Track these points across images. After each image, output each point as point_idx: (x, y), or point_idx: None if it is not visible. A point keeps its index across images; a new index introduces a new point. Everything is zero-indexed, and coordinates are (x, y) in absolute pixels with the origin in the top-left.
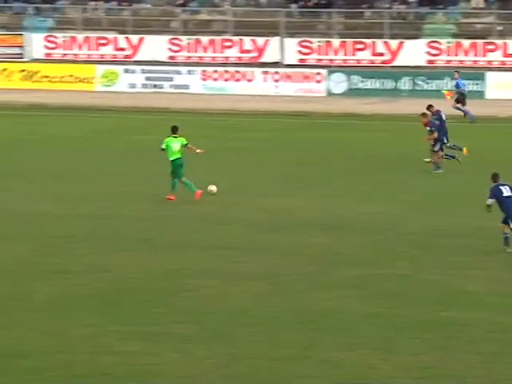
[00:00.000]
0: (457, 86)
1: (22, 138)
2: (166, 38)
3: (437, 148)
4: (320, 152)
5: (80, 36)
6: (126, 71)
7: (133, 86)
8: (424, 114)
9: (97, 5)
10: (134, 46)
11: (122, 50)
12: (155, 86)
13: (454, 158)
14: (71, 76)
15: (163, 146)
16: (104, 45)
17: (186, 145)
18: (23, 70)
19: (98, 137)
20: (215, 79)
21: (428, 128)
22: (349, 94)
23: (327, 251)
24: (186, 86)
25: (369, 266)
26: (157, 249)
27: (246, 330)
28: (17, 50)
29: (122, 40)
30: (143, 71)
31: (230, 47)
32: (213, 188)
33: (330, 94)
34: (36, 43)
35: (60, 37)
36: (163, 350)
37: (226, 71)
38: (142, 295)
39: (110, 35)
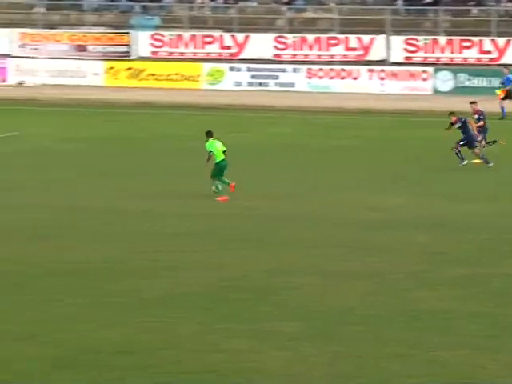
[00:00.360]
0: (506, 81)
1: (130, 136)
2: (271, 36)
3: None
4: (426, 150)
5: (186, 34)
6: (232, 69)
7: (238, 84)
8: (452, 113)
9: (203, 3)
10: (240, 44)
11: (228, 48)
12: (260, 84)
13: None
14: (177, 74)
15: (211, 149)
16: (210, 43)
17: (224, 151)
18: (129, 68)
19: (202, 134)
20: (320, 77)
21: (456, 125)
22: (455, 92)
23: (432, 250)
24: (291, 84)
25: (474, 264)
26: (263, 247)
27: (351, 329)
28: (123, 49)
29: (227, 38)
30: (249, 69)
31: (335, 45)
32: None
33: (436, 92)
34: (142, 41)
35: (166, 35)
36: (268, 347)
37: (332, 69)
38: (248, 293)
39: (216, 33)
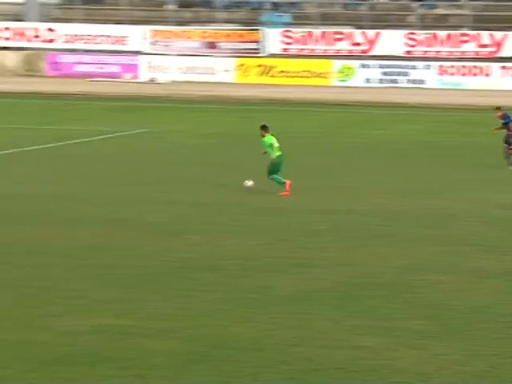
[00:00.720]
0: None
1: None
2: (402, 32)
3: None
4: None
5: (317, 31)
6: (363, 66)
7: (369, 80)
8: (498, 108)
9: (333, 0)
10: (371, 41)
11: (358, 44)
12: (391, 81)
13: None
14: (307, 71)
15: (270, 142)
16: (340, 40)
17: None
18: (260, 65)
19: (333, 131)
20: (452, 74)
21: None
22: None
23: None
24: (422, 81)
25: None
26: (394, 244)
27: (484, 327)
28: (254, 46)
29: (358, 35)
30: (379, 66)
31: (467, 42)
32: (249, 183)
33: None
34: (273, 38)
35: (297, 32)
36: (399, 345)
37: (464, 66)
38: (379, 290)
39: (347, 30)
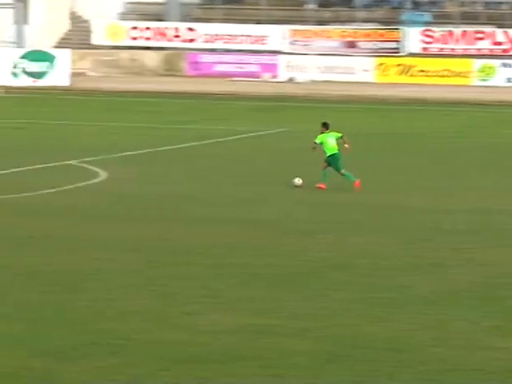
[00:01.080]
0: None
1: (401, 132)
2: None
3: None
4: None
5: (457, 30)
6: (504, 65)
7: (510, 80)
8: None
9: None
10: None
11: (500, 44)
12: None
13: None
14: (447, 70)
15: (317, 141)
16: (481, 39)
17: (341, 137)
18: (399, 65)
19: (473, 131)
20: None
21: None
22: None
23: None
24: None
25: None
26: None
27: None
28: (393, 45)
29: (499, 34)
30: None
31: None
32: (297, 181)
33: None
34: (413, 37)
35: (437, 31)
36: None
37: None
38: None
39: (488, 29)
